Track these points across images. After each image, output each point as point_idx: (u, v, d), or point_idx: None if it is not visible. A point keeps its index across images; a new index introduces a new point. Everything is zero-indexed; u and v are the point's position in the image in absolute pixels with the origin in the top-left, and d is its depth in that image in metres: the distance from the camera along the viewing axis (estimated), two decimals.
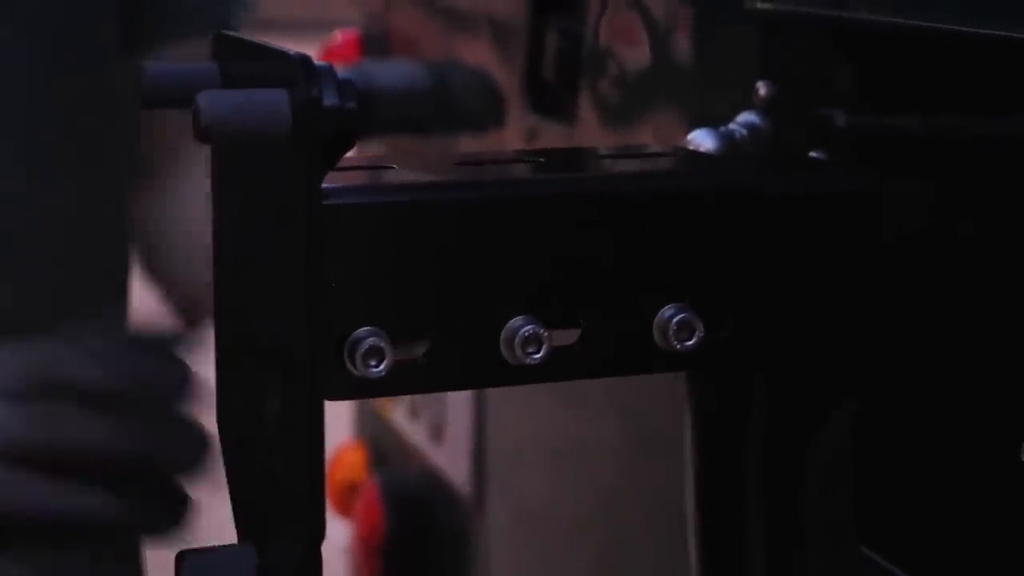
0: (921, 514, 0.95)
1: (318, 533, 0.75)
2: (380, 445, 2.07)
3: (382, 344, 0.75)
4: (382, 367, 0.75)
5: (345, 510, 2.07)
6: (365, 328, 0.75)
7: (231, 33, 0.77)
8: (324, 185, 0.73)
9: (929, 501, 0.94)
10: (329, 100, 0.70)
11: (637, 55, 1.32)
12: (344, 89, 0.71)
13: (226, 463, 0.81)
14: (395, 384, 0.77)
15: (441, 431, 1.83)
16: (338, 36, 2.13)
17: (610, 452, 1.38)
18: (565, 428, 1.49)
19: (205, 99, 0.69)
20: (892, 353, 0.88)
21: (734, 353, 0.82)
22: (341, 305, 0.75)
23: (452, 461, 1.79)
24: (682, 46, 1.24)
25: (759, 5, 1.09)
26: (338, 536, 2.19)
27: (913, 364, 0.90)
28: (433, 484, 1.86)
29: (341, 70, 1.88)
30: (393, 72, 1.81)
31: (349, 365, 0.75)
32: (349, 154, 0.77)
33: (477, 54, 1.69)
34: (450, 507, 1.81)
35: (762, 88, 1.04)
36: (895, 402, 0.91)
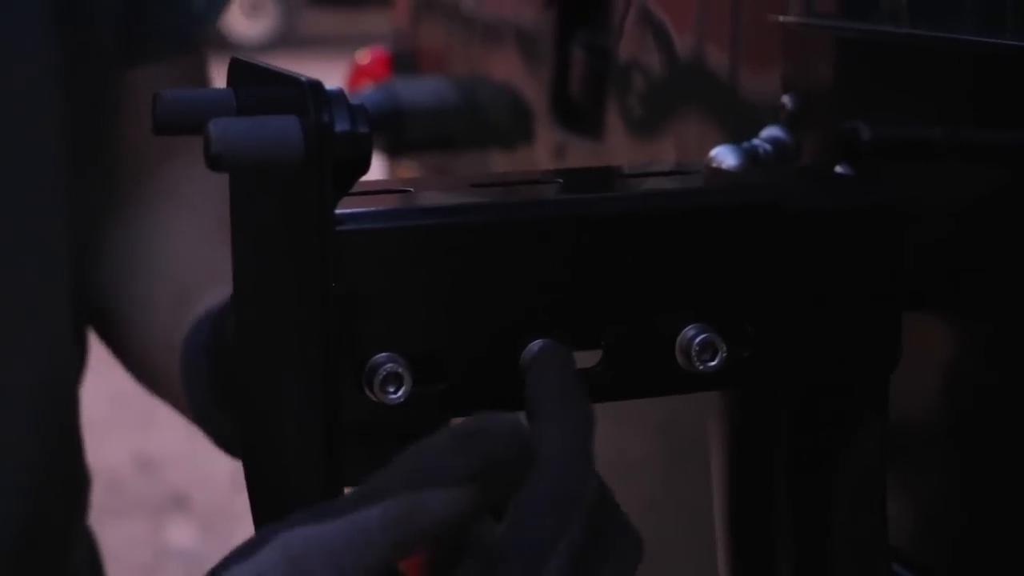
0: (949, 530, 0.95)
1: None
2: None
3: (400, 369, 0.74)
4: (400, 393, 0.74)
5: None
6: (384, 352, 0.74)
7: (245, 58, 0.77)
8: (338, 211, 0.72)
9: (955, 517, 0.94)
10: (341, 125, 0.70)
11: (662, 69, 1.32)
12: (356, 114, 0.71)
13: (249, 482, 0.81)
14: (413, 411, 0.76)
15: None
16: (368, 54, 2.13)
17: (644, 465, 1.38)
18: (599, 443, 1.49)
19: (216, 127, 0.68)
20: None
21: (757, 372, 0.82)
22: (358, 331, 0.74)
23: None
24: (707, 60, 1.24)
25: (783, 19, 1.08)
26: None
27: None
28: None
29: (370, 89, 1.90)
30: (422, 89, 1.81)
31: (368, 390, 0.74)
32: (368, 177, 0.77)
33: (504, 70, 1.69)
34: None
35: (787, 102, 1.03)
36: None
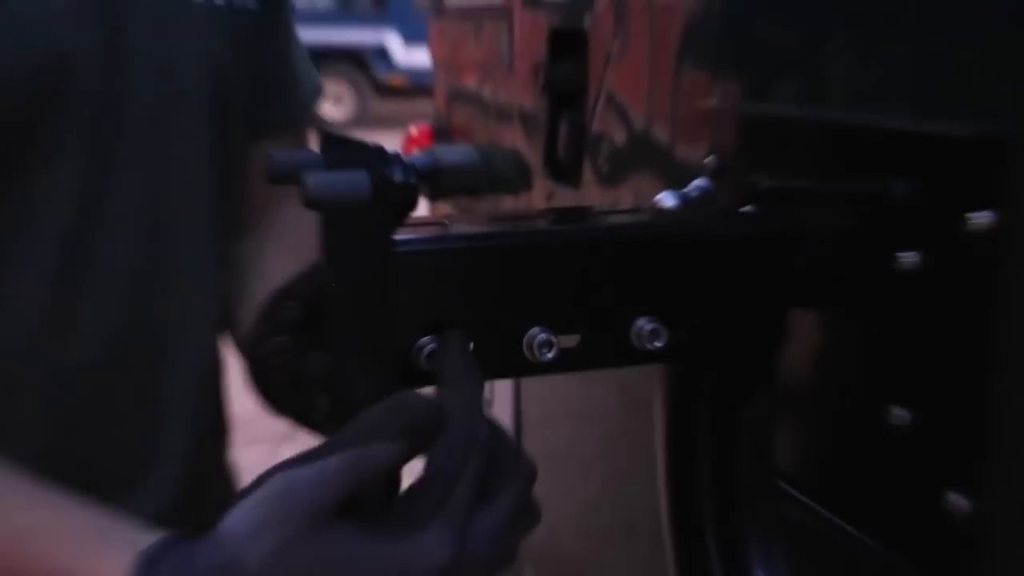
0: (811, 455, 0.94)
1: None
2: None
3: (435, 347, 0.74)
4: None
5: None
6: (428, 336, 0.74)
7: (332, 131, 0.76)
8: (396, 237, 0.72)
9: (815, 446, 0.93)
10: (397, 178, 0.70)
11: (622, 139, 1.31)
12: (407, 170, 0.71)
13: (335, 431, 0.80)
14: None
15: (492, 401, 1.83)
16: (417, 128, 2.13)
17: (608, 413, 1.37)
18: (576, 397, 1.48)
19: (310, 178, 0.68)
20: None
21: (688, 351, 0.81)
22: (408, 320, 0.74)
23: (500, 418, 1.78)
24: (654, 132, 1.23)
25: (710, 103, 1.07)
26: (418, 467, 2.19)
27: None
28: None
29: (418, 152, 1.87)
30: (454, 153, 1.79)
31: (417, 362, 0.74)
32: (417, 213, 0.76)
33: (511, 138, 1.68)
34: None
35: (710, 162, 1.02)
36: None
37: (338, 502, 0.69)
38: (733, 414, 0.87)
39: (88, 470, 0.91)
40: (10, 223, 0.89)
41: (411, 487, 0.72)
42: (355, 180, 0.69)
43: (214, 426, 1.11)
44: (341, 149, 0.73)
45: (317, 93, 1.22)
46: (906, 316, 0.82)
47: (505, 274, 0.76)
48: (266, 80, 1.10)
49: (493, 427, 0.74)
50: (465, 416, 0.72)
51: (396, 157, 0.70)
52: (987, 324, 0.75)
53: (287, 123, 1.15)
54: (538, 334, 0.75)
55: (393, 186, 0.70)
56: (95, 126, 0.91)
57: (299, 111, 1.17)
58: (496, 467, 0.73)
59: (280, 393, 0.98)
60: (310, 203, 0.68)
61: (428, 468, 0.72)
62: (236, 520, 0.68)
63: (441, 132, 2.04)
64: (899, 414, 0.82)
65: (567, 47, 1.44)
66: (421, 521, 0.70)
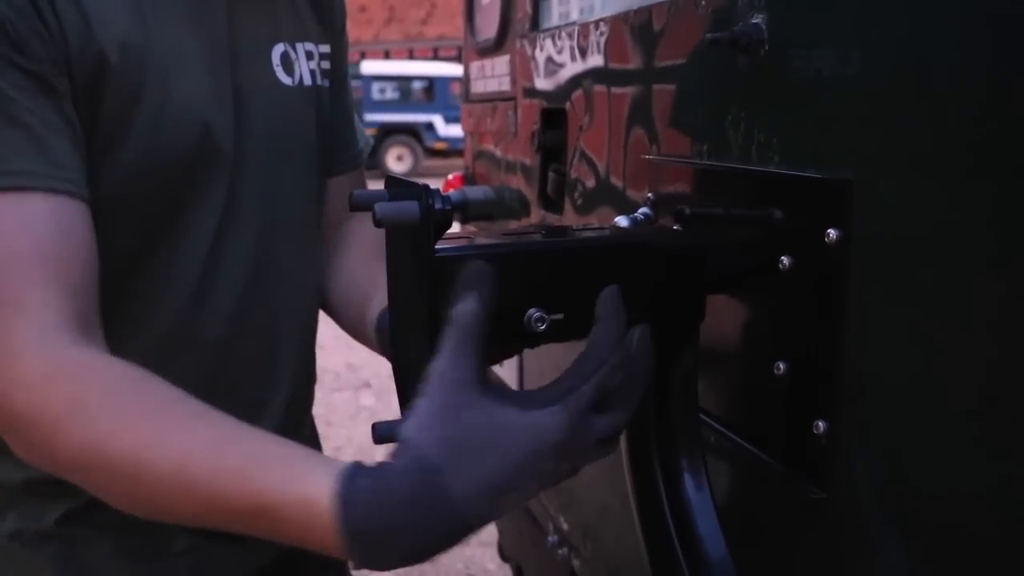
0: (722, 395, 0.93)
1: None
2: None
3: None
4: None
5: None
6: None
7: (393, 175, 0.75)
8: (436, 246, 0.71)
9: (724, 388, 0.92)
10: (437, 205, 0.68)
11: (591, 183, 1.29)
12: (444, 200, 0.69)
13: (396, 380, 0.79)
14: None
15: (499, 366, 1.81)
16: (453, 177, 2.12)
17: None
18: (562, 357, 1.47)
19: (379, 207, 0.68)
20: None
21: (639, 323, 0.79)
22: (446, 304, 0.72)
23: (509, 374, 1.76)
24: (612, 176, 1.22)
25: (649, 156, 1.06)
26: None
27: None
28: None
29: (454, 191, 1.86)
30: (478, 191, 1.79)
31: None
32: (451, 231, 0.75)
33: (516, 183, 1.67)
34: None
35: (650, 196, 1.01)
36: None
37: (476, 376, 0.65)
38: (668, 367, 0.85)
39: None
40: (169, 235, 0.88)
41: (549, 384, 0.70)
42: (408, 207, 0.68)
43: (307, 380, 1.08)
44: (399, 187, 0.72)
45: (368, 144, 1.21)
46: (785, 299, 0.81)
47: (512, 271, 0.75)
48: (337, 136, 1.08)
49: (630, 360, 0.71)
50: (602, 343, 0.70)
51: (436, 192, 0.69)
52: (838, 304, 0.75)
53: (350, 165, 1.13)
54: (534, 313, 0.74)
55: (434, 211, 0.69)
56: (231, 171, 0.90)
57: (358, 156, 1.15)
58: (620, 389, 0.70)
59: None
60: (378, 223, 0.67)
61: (563, 374, 0.70)
62: (409, 423, 0.64)
63: (469, 179, 2.02)
64: (781, 366, 0.81)
65: (554, 120, 1.43)
66: (545, 403, 0.66)
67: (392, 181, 0.74)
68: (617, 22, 1.18)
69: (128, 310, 0.87)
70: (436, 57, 20.41)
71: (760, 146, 0.84)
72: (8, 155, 0.74)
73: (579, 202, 1.34)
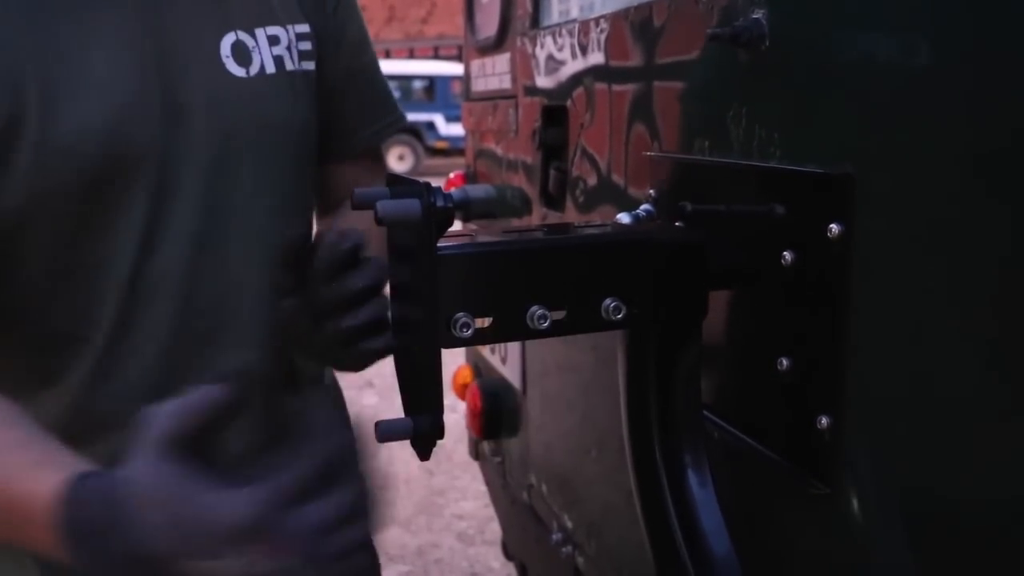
0: (723, 392, 0.93)
1: (440, 410, 0.72)
2: (478, 365, 2.05)
3: (469, 320, 0.72)
4: (470, 332, 0.72)
5: (462, 396, 2.05)
6: (461, 312, 0.73)
7: (396, 173, 0.75)
8: (438, 243, 0.71)
9: (727, 384, 0.92)
10: (439, 203, 0.68)
11: (592, 180, 1.30)
12: (446, 198, 0.69)
13: (400, 378, 0.79)
14: (475, 340, 0.74)
15: (506, 358, 1.81)
16: (455, 175, 2.12)
17: (587, 366, 1.36)
18: (565, 356, 1.47)
19: (381, 204, 0.68)
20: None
21: (641, 320, 0.80)
22: (449, 302, 0.73)
23: (512, 372, 1.77)
24: (613, 173, 1.22)
25: (650, 153, 1.06)
26: (460, 408, 2.18)
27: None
28: (503, 384, 1.84)
29: (455, 189, 1.85)
30: (480, 189, 1.79)
31: (453, 330, 0.73)
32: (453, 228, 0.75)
33: (517, 180, 1.67)
34: (511, 394, 1.79)
35: (652, 193, 1.01)
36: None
37: (183, 436, 0.62)
38: (672, 364, 0.85)
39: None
40: (87, 256, 0.83)
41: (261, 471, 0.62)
42: (410, 205, 0.68)
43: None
44: (401, 184, 0.72)
45: (398, 121, 1.12)
46: (788, 295, 0.81)
47: (514, 268, 0.75)
48: (335, 121, 1.03)
49: (346, 448, 0.63)
50: (319, 433, 0.63)
51: (438, 190, 0.69)
52: (841, 299, 0.75)
53: (350, 153, 1.08)
54: (537, 310, 0.74)
55: (436, 209, 0.68)
56: (154, 183, 0.85)
57: (362, 141, 1.09)
58: (339, 475, 0.62)
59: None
60: (379, 221, 0.67)
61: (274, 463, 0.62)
62: (135, 459, 0.63)
63: (470, 177, 2.02)
64: (784, 361, 0.81)
65: (555, 118, 1.43)
66: (240, 484, 0.61)
67: (394, 179, 0.74)
68: (618, 19, 1.18)
69: (62, 329, 0.84)
70: (437, 56, 20.41)
71: (762, 141, 0.84)
72: None
73: (581, 199, 1.34)
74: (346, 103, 1.05)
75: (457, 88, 14.79)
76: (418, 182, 0.70)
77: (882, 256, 0.71)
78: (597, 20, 1.24)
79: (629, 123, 1.15)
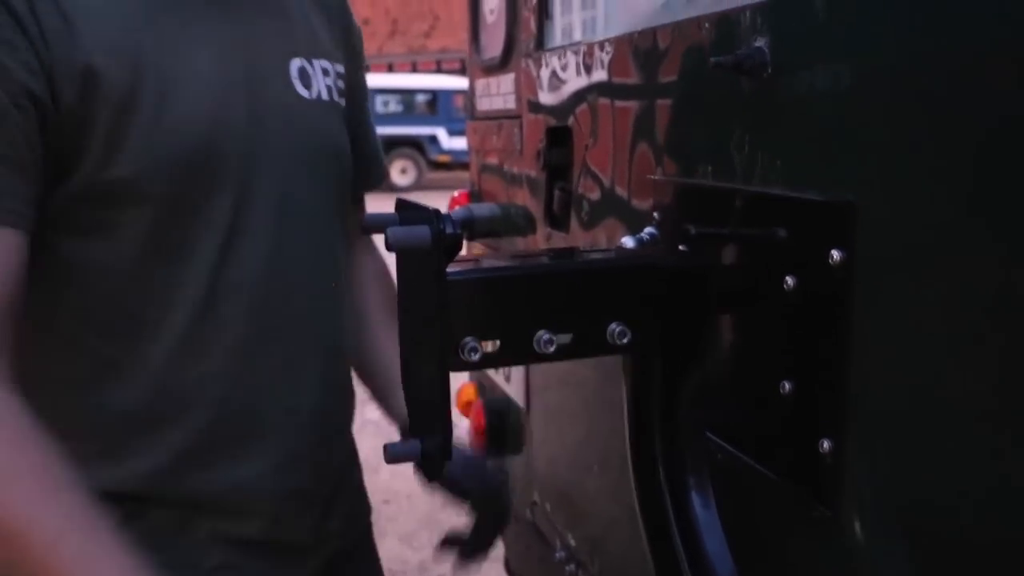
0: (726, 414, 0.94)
1: (448, 432, 0.74)
2: (483, 384, 2.06)
3: (477, 345, 0.74)
4: (477, 356, 0.74)
5: (466, 414, 2.06)
6: (468, 336, 0.74)
7: (403, 197, 0.76)
8: (448, 269, 0.72)
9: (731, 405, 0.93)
10: (448, 230, 0.70)
11: (596, 199, 1.31)
12: (455, 225, 0.71)
13: (407, 399, 0.80)
14: (483, 364, 0.75)
15: (510, 376, 1.82)
16: (459, 194, 2.13)
17: (590, 383, 1.36)
18: (568, 373, 1.48)
19: (391, 231, 0.69)
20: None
21: (645, 346, 0.81)
22: (457, 326, 0.74)
23: (515, 390, 1.77)
24: (616, 192, 1.23)
25: (654, 177, 1.07)
26: (464, 425, 2.18)
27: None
28: (507, 402, 1.85)
29: (460, 208, 1.86)
30: (484, 209, 1.80)
31: (461, 354, 0.74)
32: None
33: (522, 198, 1.68)
34: (515, 412, 1.79)
35: (656, 215, 1.03)
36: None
37: None
38: (675, 385, 0.86)
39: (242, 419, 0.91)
40: (177, 242, 0.88)
41: None
42: (419, 232, 0.69)
43: (339, 391, 1.06)
44: (409, 210, 0.73)
45: (383, 178, 1.22)
46: (790, 319, 0.82)
47: (521, 294, 0.77)
48: (357, 156, 1.09)
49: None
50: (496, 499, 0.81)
51: (447, 216, 0.71)
52: (842, 324, 0.76)
53: (372, 186, 1.15)
54: (543, 334, 0.76)
55: (445, 236, 0.70)
56: (239, 183, 0.90)
57: (380, 178, 1.17)
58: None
59: None
60: (390, 248, 0.69)
61: None
62: None
63: (474, 195, 2.04)
64: (787, 385, 0.82)
65: (559, 138, 1.45)
66: None
67: (402, 204, 0.76)
68: (622, 43, 1.19)
69: (144, 313, 0.88)
70: (439, 70, 20.47)
71: (764, 167, 0.86)
72: None
73: (585, 219, 1.35)
74: (356, 139, 1.10)
75: (460, 102, 14.82)
76: (427, 208, 0.71)
77: (883, 281, 0.72)
78: (602, 43, 1.26)
79: (633, 145, 1.17)
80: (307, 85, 0.98)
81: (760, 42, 0.85)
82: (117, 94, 0.82)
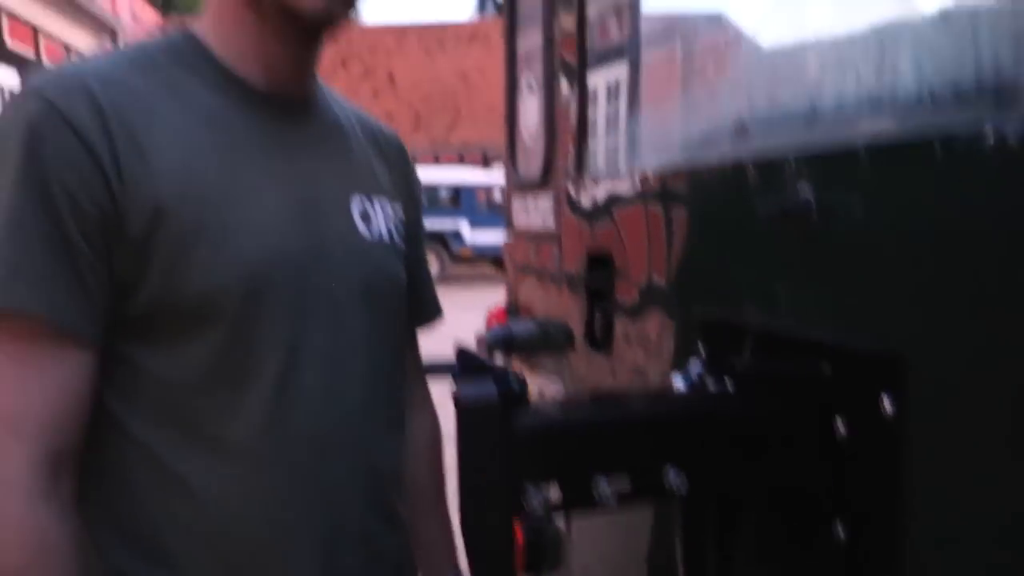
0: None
1: None
2: None
3: (539, 493, 0.76)
4: (539, 504, 0.76)
5: None
6: (530, 483, 0.75)
7: (465, 348, 0.79)
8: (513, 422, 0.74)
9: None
10: (513, 387, 0.72)
11: (631, 318, 1.33)
12: (513, 382, 0.73)
13: (467, 547, 0.81)
14: (545, 512, 0.76)
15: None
16: (495, 310, 2.16)
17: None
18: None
19: (462, 387, 0.71)
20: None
21: (703, 492, 0.82)
22: (520, 475, 0.75)
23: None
24: (653, 331, 1.25)
25: (697, 311, 1.10)
26: None
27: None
28: (544, 519, 1.84)
29: (499, 326, 1.87)
30: (523, 326, 1.83)
31: (524, 503, 0.75)
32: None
33: (562, 311, 1.70)
34: (554, 528, 1.78)
35: (702, 351, 1.05)
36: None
37: None
38: (729, 530, 0.87)
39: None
40: (246, 347, 0.91)
41: None
42: (487, 388, 0.72)
43: (384, 522, 1.05)
44: (469, 360, 0.76)
45: (438, 317, 1.23)
46: (844, 465, 0.83)
47: (580, 443, 0.78)
48: (416, 294, 1.13)
49: None
50: None
51: (508, 373, 0.73)
52: (897, 474, 0.77)
53: (424, 323, 1.18)
54: (602, 483, 0.77)
55: (510, 392, 0.72)
56: (299, 311, 0.93)
57: (431, 317, 1.20)
58: None
59: None
60: (458, 405, 0.71)
61: None
62: None
63: (512, 309, 2.07)
64: (841, 529, 0.83)
65: (599, 262, 1.48)
66: None
67: (462, 354, 0.78)
68: (667, 175, 1.23)
69: (207, 430, 0.91)
70: (462, 161, 20.79)
71: (811, 312, 0.88)
72: (58, 300, 0.83)
73: (628, 348, 1.38)
74: (415, 277, 1.14)
75: (482, 197, 15.01)
76: (486, 362, 0.74)
77: (936, 431, 0.74)
78: (645, 177, 1.30)
79: (678, 275, 1.20)
80: (367, 223, 1.02)
81: (804, 188, 0.89)
82: (182, 230, 0.87)
